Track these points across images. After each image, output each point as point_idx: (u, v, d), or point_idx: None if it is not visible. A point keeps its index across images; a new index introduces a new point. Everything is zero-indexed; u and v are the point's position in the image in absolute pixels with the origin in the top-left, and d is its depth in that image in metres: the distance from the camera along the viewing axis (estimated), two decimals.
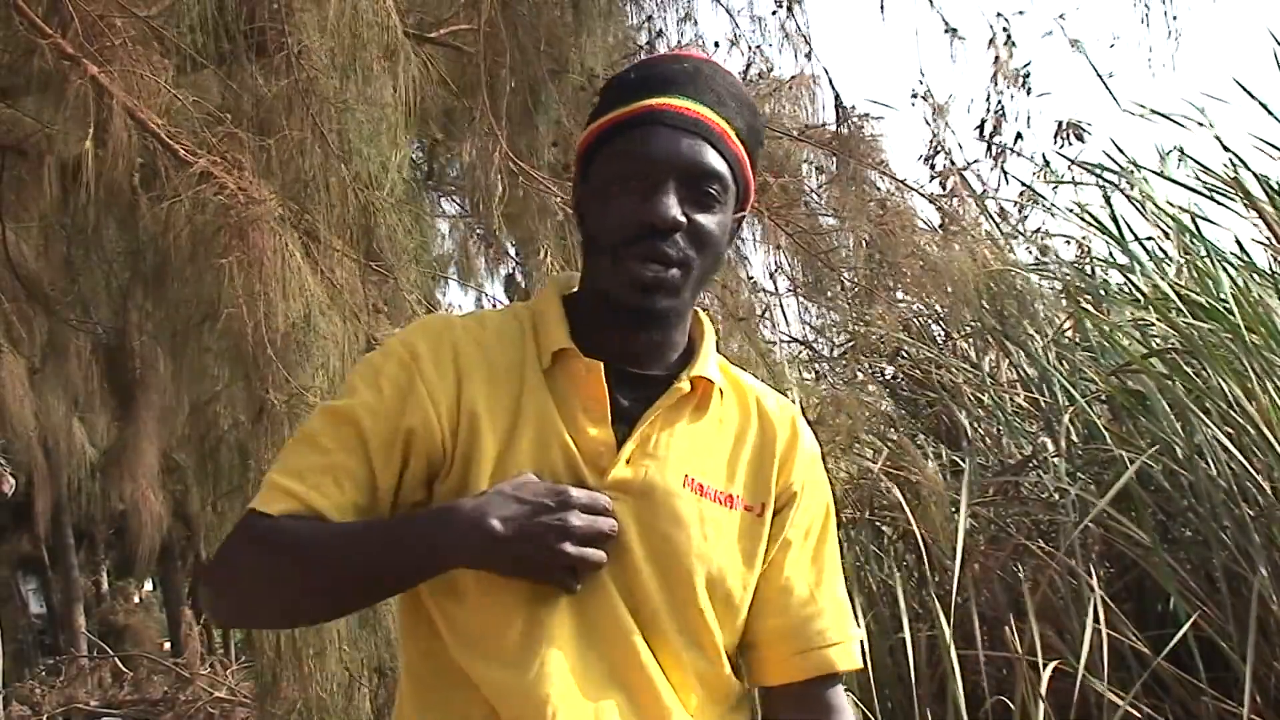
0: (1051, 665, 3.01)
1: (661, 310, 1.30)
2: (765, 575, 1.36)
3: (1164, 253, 4.42)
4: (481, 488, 1.27)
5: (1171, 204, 4.40)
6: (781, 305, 5.11)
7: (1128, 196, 4.62)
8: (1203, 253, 4.09)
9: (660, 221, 1.26)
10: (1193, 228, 4.28)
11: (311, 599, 1.30)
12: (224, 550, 1.30)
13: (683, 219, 1.27)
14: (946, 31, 5.24)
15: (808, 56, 5.09)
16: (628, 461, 1.30)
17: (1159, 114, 4.41)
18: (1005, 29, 5.50)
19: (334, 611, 1.35)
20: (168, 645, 14.81)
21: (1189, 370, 3.66)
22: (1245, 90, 4.31)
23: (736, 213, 1.37)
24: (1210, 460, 3.37)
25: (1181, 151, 4.53)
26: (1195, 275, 4.06)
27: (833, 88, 4.85)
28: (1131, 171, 4.59)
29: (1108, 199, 4.63)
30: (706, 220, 1.29)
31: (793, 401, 4.40)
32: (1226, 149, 4.27)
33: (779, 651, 1.37)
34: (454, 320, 1.38)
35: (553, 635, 1.26)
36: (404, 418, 1.28)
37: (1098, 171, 4.77)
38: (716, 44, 5.32)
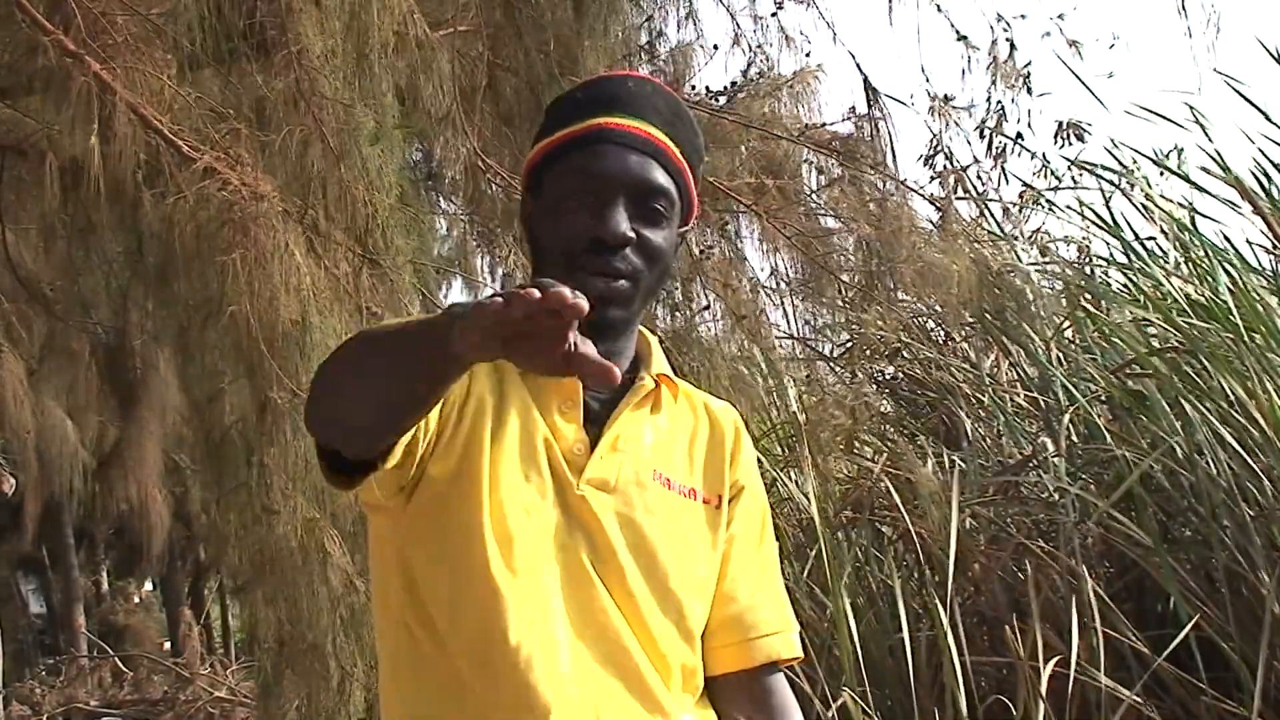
0: (1051, 664, 3.01)
1: (613, 321, 1.35)
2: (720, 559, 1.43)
3: (1164, 252, 4.42)
4: (481, 474, 1.30)
5: (1169, 199, 4.40)
6: (787, 304, 5.11)
7: (1127, 196, 4.63)
8: (1202, 252, 4.09)
9: (611, 237, 1.31)
10: (1192, 226, 4.28)
11: (382, 371, 1.19)
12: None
13: (632, 234, 1.32)
14: (959, 39, 5.24)
15: (807, 54, 5.09)
16: (602, 458, 1.35)
17: (1157, 114, 4.42)
18: (1007, 33, 5.50)
19: (408, 390, 1.20)
20: (168, 645, 14.81)
21: (1189, 370, 3.66)
22: (1237, 92, 4.31)
23: (681, 226, 1.42)
24: (1210, 460, 3.37)
25: (1180, 152, 4.54)
26: (1195, 274, 4.06)
27: (861, 72, 4.83)
28: (1131, 171, 4.60)
29: (1107, 199, 4.63)
30: (654, 235, 1.35)
31: (795, 401, 4.33)
32: (1216, 152, 4.26)
33: (724, 640, 1.42)
34: None
35: (545, 630, 1.28)
36: None
37: (1097, 172, 4.77)
38: (716, 45, 5.33)
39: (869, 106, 4.70)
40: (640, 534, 1.34)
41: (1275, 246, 4.11)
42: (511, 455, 1.32)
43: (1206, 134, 4.26)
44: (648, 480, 1.37)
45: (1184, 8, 5.00)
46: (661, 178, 1.36)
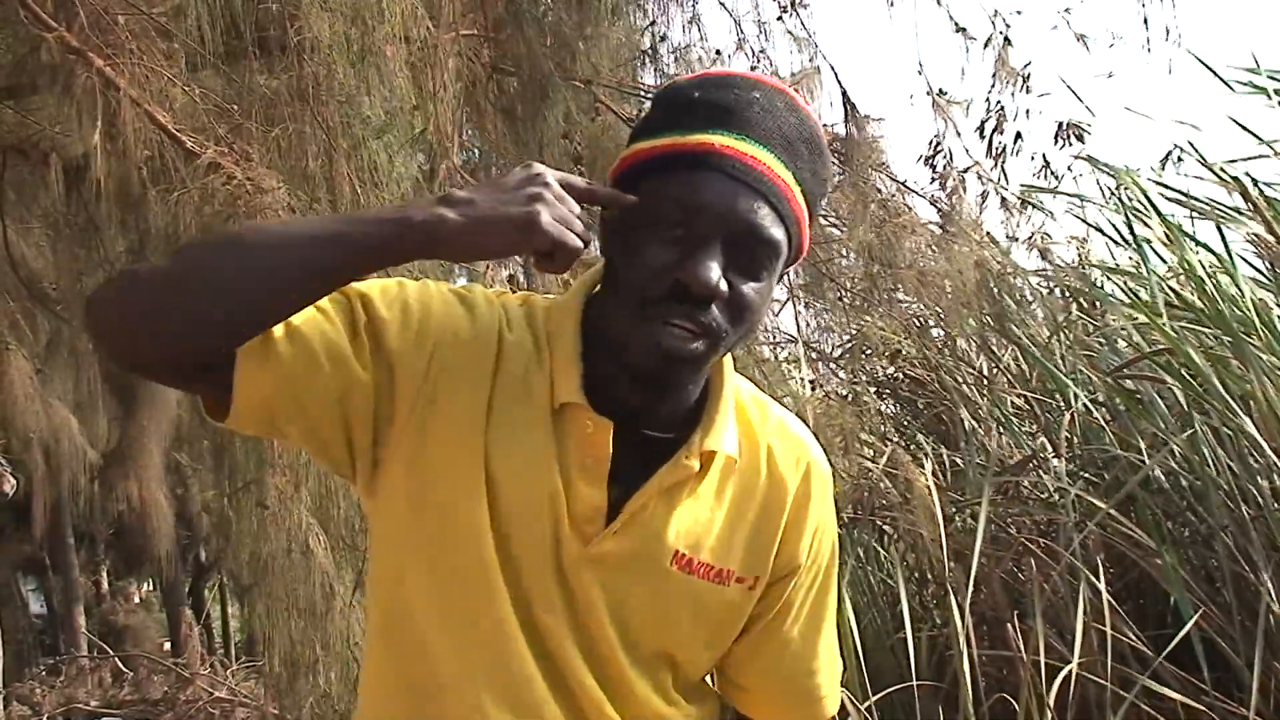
0: (1066, 670, 3.01)
1: (677, 380, 1.20)
2: (766, 629, 1.32)
3: (1163, 255, 4.43)
4: (463, 518, 1.19)
5: (1170, 194, 4.39)
6: (789, 307, 5.11)
7: (1124, 200, 4.63)
8: (1203, 254, 4.09)
9: (698, 285, 1.11)
10: (1192, 229, 4.28)
11: (256, 269, 1.10)
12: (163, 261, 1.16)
13: (724, 287, 1.13)
14: (957, 31, 5.23)
15: (810, 59, 5.10)
16: (616, 532, 1.21)
17: (1152, 118, 4.42)
18: (1005, 29, 5.50)
19: (273, 283, 1.10)
20: (168, 645, 14.82)
21: (1188, 372, 3.66)
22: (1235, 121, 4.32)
23: (786, 267, 1.22)
24: (1210, 461, 3.37)
25: (1181, 155, 4.54)
26: (1195, 277, 4.07)
27: (840, 84, 4.83)
28: (1130, 173, 4.60)
29: (1106, 200, 4.64)
30: (750, 290, 1.15)
31: (795, 401, 4.30)
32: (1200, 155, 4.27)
33: (774, 703, 1.37)
34: (497, 312, 1.26)
35: (504, 699, 1.21)
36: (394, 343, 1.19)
37: (1097, 176, 4.78)
38: (719, 51, 5.34)
39: (845, 120, 4.68)
40: (635, 619, 1.23)
41: (1275, 248, 4.11)
42: (510, 499, 1.19)
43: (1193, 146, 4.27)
44: (663, 563, 1.22)
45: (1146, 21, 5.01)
46: (771, 225, 1.14)
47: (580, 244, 1.11)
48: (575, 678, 1.21)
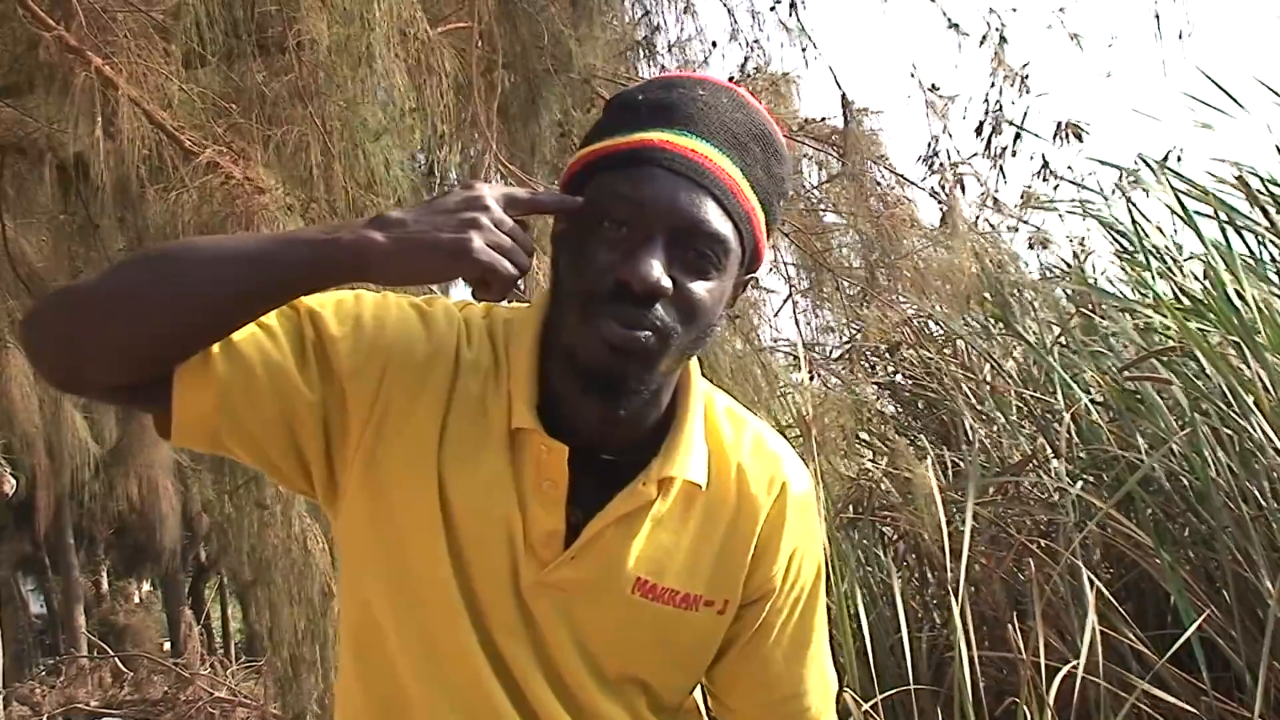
0: (1066, 669, 3.00)
1: (632, 381, 1.13)
2: (745, 651, 1.29)
3: (1165, 253, 4.42)
4: (429, 521, 1.17)
5: (1182, 195, 4.39)
6: (788, 304, 5.11)
7: (1128, 197, 4.62)
8: (1204, 253, 4.09)
9: (639, 283, 1.09)
10: (1194, 227, 4.27)
11: (189, 286, 1.09)
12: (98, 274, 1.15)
13: (668, 284, 1.10)
14: (950, 27, 5.24)
15: (804, 49, 5.10)
16: (573, 558, 1.18)
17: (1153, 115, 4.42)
18: (1001, 26, 5.50)
19: (206, 302, 1.10)
20: (168, 645, 14.83)
21: (1190, 371, 3.65)
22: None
23: (744, 274, 1.19)
24: (1211, 461, 3.37)
25: (1181, 153, 4.54)
26: (1197, 275, 4.06)
27: (838, 85, 4.83)
28: (1132, 171, 4.60)
29: (1108, 199, 4.64)
30: (697, 288, 1.12)
31: (796, 400, 4.30)
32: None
33: None
34: (457, 326, 1.23)
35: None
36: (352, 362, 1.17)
37: (1098, 175, 4.77)
38: (715, 43, 5.34)
39: (845, 120, 4.66)
40: (598, 645, 1.21)
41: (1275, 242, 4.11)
42: (462, 518, 1.17)
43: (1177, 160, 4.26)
44: (624, 590, 1.20)
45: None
46: (717, 219, 1.11)
47: (514, 271, 1.09)
48: (540, 701, 1.20)
